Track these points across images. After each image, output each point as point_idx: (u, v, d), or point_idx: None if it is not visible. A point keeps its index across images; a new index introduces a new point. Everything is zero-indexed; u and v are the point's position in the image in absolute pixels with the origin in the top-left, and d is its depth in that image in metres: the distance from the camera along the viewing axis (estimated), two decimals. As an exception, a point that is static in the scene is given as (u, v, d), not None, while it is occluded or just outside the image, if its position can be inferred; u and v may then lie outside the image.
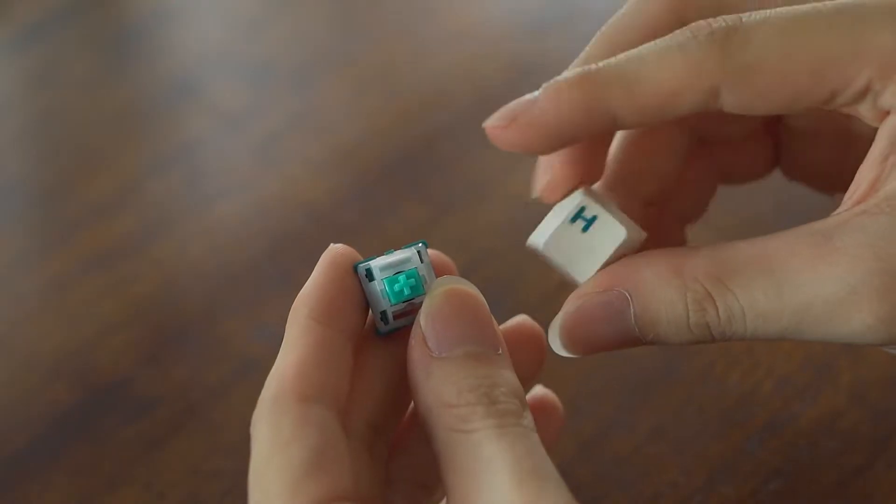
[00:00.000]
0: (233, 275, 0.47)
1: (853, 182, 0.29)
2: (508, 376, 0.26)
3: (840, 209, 0.28)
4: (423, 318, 0.27)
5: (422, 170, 0.51)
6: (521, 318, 0.32)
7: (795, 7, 0.28)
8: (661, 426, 0.39)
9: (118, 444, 0.40)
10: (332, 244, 0.29)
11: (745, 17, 0.27)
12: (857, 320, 0.26)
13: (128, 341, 0.44)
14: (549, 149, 0.29)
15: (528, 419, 0.26)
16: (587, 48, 0.32)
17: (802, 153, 0.35)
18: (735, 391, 0.40)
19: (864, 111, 0.28)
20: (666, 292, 0.28)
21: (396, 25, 0.61)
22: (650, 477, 0.38)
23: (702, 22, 0.28)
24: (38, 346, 0.45)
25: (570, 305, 0.29)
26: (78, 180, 0.52)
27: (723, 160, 0.36)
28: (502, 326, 0.31)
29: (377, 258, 0.29)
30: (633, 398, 0.40)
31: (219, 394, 0.42)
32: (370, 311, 0.29)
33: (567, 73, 0.28)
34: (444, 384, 0.26)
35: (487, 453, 0.24)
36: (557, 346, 0.29)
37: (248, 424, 0.41)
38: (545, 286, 0.43)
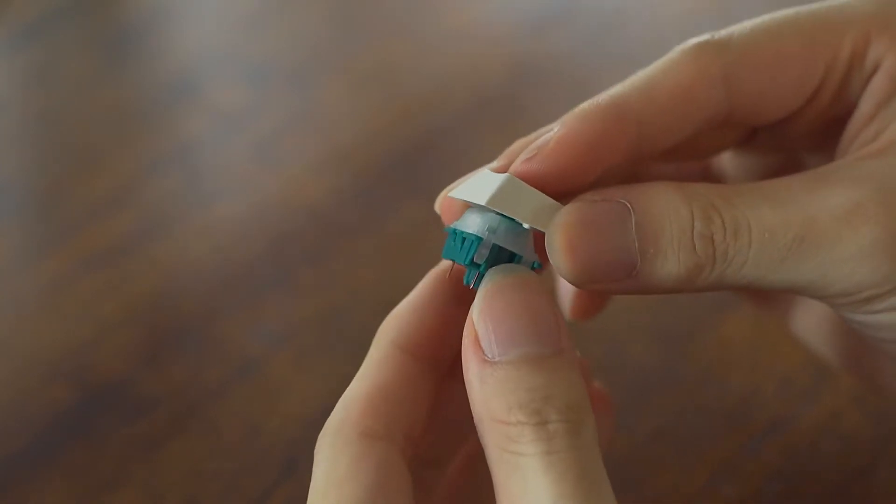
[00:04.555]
0: (232, 275, 0.47)
1: (837, 149, 0.29)
2: (566, 382, 0.24)
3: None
4: (475, 314, 0.25)
5: (422, 170, 0.51)
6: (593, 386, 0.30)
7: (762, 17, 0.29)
8: (662, 427, 0.39)
9: (117, 444, 0.40)
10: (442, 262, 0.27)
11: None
12: (865, 233, 0.25)
13: (127, 341, 0.44)
14: (581, 172, 0.27)
15: (588, 430, 0.24)
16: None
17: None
18: (736, 392, 0.40)
19: (856, 91, 0.29)
20: (670, 200, 0.26)
21: (396, 25, 0.61)
22: (651, 478, 0.38)
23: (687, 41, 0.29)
24: (36, 346, 0.44)
25: (569, 207, 0.27)
26: (77, 180, 0.52)
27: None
28: None
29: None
30: (634, 399, 0.40)
31: (218, 394, 0.42)
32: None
33: (582, 104, 0.28)
34: (495, 396, 0.24)
35: (534, 485, 0.23)
36: (555, 252, 0.27)
37: (248, 425, 0.41)
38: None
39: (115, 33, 0.62)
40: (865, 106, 0.29)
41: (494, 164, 0.29)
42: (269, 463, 0.39)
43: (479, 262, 0.26)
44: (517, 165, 0.27)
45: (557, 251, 0.27)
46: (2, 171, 0.54)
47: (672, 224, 0.26)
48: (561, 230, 0.27)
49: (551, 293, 0.26)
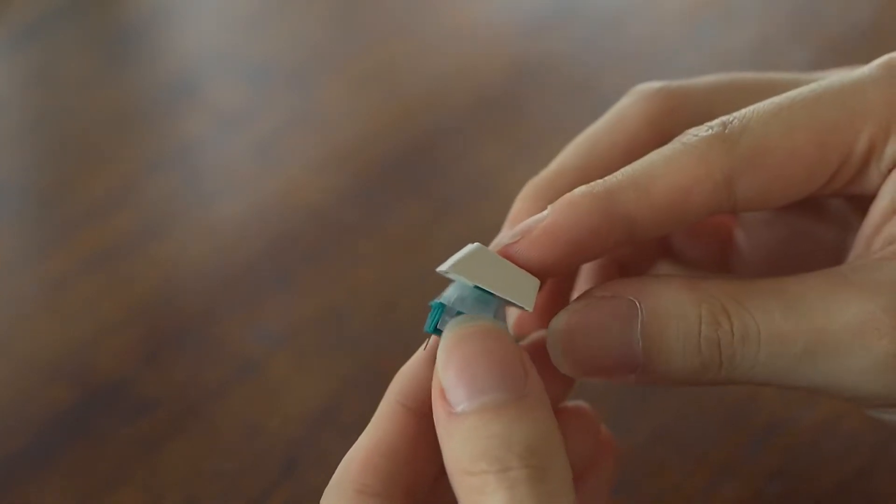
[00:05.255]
0: (232, 275, 0.47)
1: (857, 239, 0.28)
2: (529, 427, 0.24)
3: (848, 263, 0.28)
4: (438, 367, 0.25)
5: (422, 170, 0.51)
6: (576, 404, 0.30)
7: (781, 95, 0.28)
8: (662, 428, 0.39)
9: (117, 444, 0.40)
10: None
11: (734, 113, 0.27)
12: (878, 348, 0.25)
13: (127, 341, 0.44)
14: (566, 261, 0.27)
15: (556, 473, 0.24)
16: (561, 154, 0.31)
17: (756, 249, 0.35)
18: (736, 393, 0.40)
19: (874, 179, 0.28)
20: (679, 301, 0.26)
21: (396, 25, 0.61)
22: (652, 479, 0.38)
23: (698, 127, 0.28)
24: (36, 346, 0.44)
25: (574, 305, 0.27)
26: (77, 180, 0.52)
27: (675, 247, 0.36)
28: (525, 342, 0.29)
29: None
30: (634, 400, 0.40)
31: (218, 394, 0.42)
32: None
33: (575, 190, 0.27)
34: (460, 447, 0.24)
35: None
36: (556, 352, 0.28)
37: (247, 425, 0.41)
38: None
39: (115, 33, 0.62)
40: (886, 199, 0.28)
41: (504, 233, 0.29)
42: (269, 463, 0.39)
43: (442, 328, 0.26)
44: (500, 248, 0.27)
45: (559, 351, 0.27)
46: (2, 171, 0.54)
47: (679, 326, 0.26)
48: (563, 331, 0.27)
49: (512, 337, 0.26)
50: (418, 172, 0.51)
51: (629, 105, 0.32)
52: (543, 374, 0.27)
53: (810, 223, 0.33)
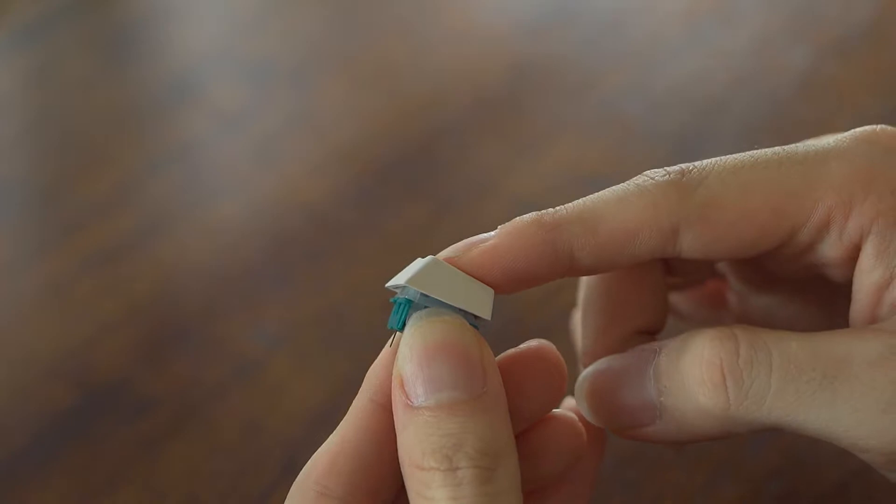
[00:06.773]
0: (232, 274, 0.47)
1: (853, 317, 0.28)
2: (482, 427, 0.25)
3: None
4: (399, 358, 0.26)
5: (422, 170, 0.51)
6: (538, 343, 0.30)
7: (745, 152, 0.28)
8: (662, 427, 0.39)
9: (117, 444, 0.40)
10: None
11: (696, 163, 0.27)
12: None
13: (126, 341, 0.44)
14: (504, 283, 0.27)
15: (503, 475, 0.24)
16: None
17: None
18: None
19: (828, 249, 0.28)
20: (693, 336, 0.27)
21: (396, 25, 0.61)
22: (652, 477, 0.38)
23: (655, 170, 0.28)
24: (36, 345, 0.44)
25: (600, 360, 0.29)
26: (77, 179, 0.52)
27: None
28: (518, 349, 0.29)
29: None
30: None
31: (217, 394, 0.42)
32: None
33: (525, 216, 0.28)
34: (413, 440, 0.25)
35: None
36: (580, 397, 0.29)
37: (247, 425, 0.41)
38: (544, 287, 0.43)
39: (115, 33, 0.62)
40: (875, 275, 0.27)
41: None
42: (269, 463, 0.39)
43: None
44: (443, 256, 0.27)
45: (582, 399, 0.28)
46: (2, 171, 0.54)
47: (683, 356, 0.26)
48: (588, 377, 0.28)
49: (475, 334, 0.26)
50: (418, 172, 0.51)
51: None
52: (528, 382, 0.28)
53: (796, 295, 0.33)
